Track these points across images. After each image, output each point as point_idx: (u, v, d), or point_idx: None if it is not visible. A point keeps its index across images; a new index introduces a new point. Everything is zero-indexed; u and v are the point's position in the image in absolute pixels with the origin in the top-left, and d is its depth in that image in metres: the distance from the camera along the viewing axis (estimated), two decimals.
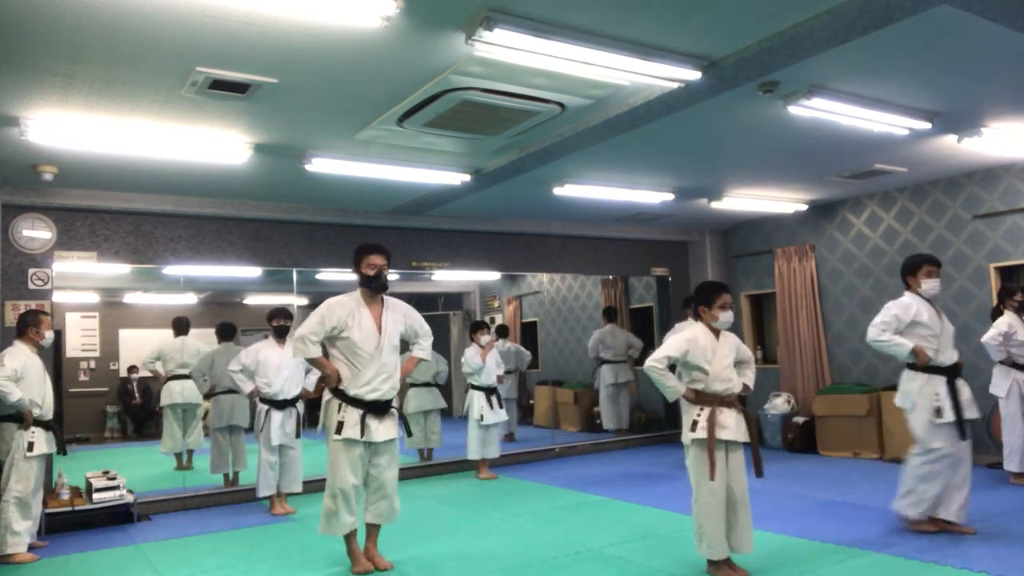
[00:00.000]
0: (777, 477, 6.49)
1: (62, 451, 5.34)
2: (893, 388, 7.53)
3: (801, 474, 6.87)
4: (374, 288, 4.40)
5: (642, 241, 9.45)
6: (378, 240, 7.79)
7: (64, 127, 4.54)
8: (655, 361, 4.03)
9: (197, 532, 5.62)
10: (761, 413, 8.57)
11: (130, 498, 5.93)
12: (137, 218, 6.57)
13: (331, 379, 4.31)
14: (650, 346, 10.22)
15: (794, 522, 5.10)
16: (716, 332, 4.12)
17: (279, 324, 6.18)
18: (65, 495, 5.78)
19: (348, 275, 8.48)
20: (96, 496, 5.76)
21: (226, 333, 7.18)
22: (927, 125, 5.28)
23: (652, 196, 7.31)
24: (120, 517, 5.95)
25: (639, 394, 10.19)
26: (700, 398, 4.03)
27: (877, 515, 5.14)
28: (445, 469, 7.88)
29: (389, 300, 4.52)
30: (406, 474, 7.30)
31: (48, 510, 5.56)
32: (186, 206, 6.61)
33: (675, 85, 4.24)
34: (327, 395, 4.38)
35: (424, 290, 10.41)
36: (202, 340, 8.20)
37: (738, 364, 4.16)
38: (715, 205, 7.84)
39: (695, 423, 3.99)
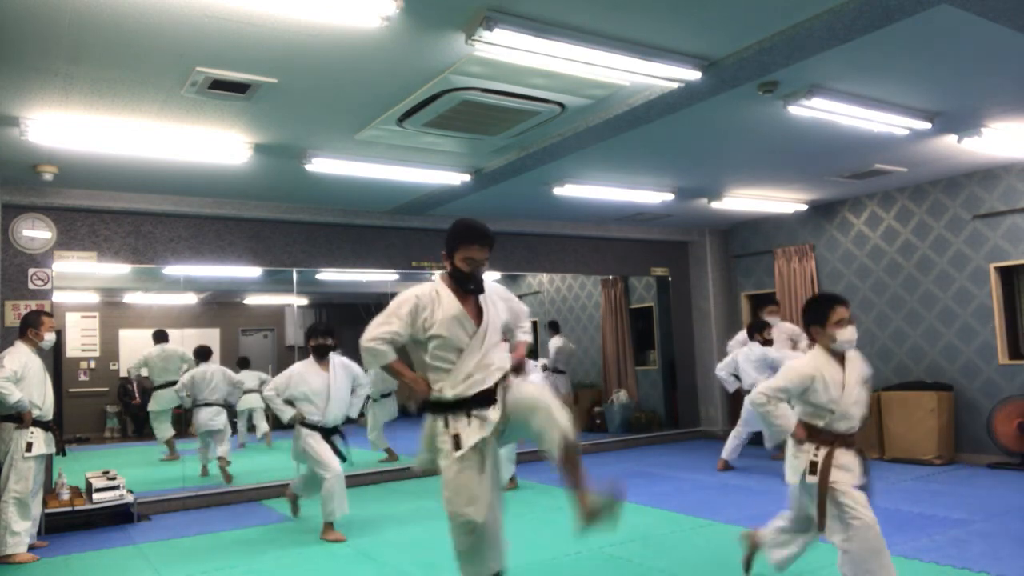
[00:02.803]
0: (778, 477, 6.48)
1: (60, 452, 5.35)
2: (893, 388, 7.58)
3: None
4: (469, 291, 3.26)
5: (642, 241, 9.44)
6: (377, 240, 7.93)
7: (64, 127, 4.53)
8: (764, 392, 3.34)
9: (197, 532, 5.61)
10: None
11: (130, 498, 5.92)
12: (137, 218, 6.58)
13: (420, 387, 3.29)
14: (650, 347, 10.24)
15: None
16: (840, 357, 3.37)
17: (318, 344, 5.40)
18: (65, 495, 5.77)
19: (348, 275, 8.60)
20: (96, 496, 5.76)
21: (202, 355, 7.62)
22: (927, 125, 5.28)
23: (652, 196, 7.31)
24: (120, 517, 5.94)
25: (639, 395, 10.20)
26: (815, 436, 3.35)
27: (877, 515, 5.12)
28: None
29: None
30: (407, 476, 7.32)
31: (48, 510, 5.55)
32: (186, 206, 6.61)
33: (675, 85, 4.25)
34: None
35: None
36: (203, 339, 8.25)
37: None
38: (715, 205, 7.84)
39: (813, 464, 3.31)
